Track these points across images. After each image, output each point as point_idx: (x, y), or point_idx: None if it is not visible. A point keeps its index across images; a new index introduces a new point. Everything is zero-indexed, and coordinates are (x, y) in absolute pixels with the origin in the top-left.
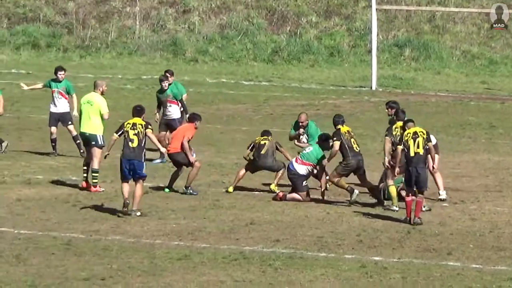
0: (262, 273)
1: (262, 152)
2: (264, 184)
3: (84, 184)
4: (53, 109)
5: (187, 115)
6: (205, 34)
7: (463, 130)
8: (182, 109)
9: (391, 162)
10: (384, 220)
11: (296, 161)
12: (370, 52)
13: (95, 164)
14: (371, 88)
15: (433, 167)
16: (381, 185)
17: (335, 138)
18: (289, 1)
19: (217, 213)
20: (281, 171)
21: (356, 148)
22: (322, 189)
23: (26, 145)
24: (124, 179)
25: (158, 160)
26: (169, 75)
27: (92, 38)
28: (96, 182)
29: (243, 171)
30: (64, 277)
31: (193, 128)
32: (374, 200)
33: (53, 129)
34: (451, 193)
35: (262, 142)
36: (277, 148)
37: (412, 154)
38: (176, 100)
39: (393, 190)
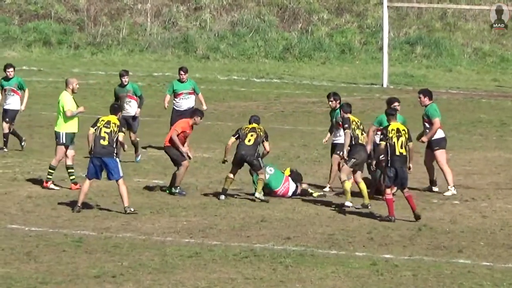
0: (273, 270)
1: (247, 142)
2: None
3: (72, 186)
4: (6, 106)
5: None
6: (217, 32)
7: (474, 127)
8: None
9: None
10: (395, 218)
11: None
12: (382, 50)
13: (53, 161)
14: (382, 85)
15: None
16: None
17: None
18: None
19: (228, 211)
20: (262, 175)
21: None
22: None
23: (37, 143)
24: (89, 176)
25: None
26: (183, 73)
27: (104, 35)
28: (49, 178)
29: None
30: (75, 274)
31: (188, 123)
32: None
33: (5, 125)
34: (462, 190)
35: (250, 133)
36: (262, 142)
37: (397, 153)
38: (136, 95)
39: (348, 185)
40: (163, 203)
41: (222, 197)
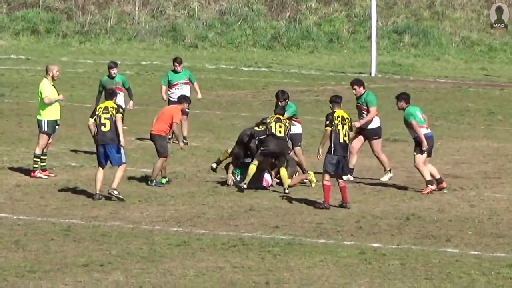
0: (261, 259)
1: (277, 133)
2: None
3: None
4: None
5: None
6: (205, 20)
7: (462, 116)
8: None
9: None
10: (383, 207)
11: None
12: (370, 38)
13: (36, 149)
14: (371, 74)
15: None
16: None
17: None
18: None
19: (216, 200)
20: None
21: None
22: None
23: (26, 131)
24: (99, 164)
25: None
26: (177, 64)
27: (92, 23)
28: (36, 168)
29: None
30: (63, 263)
31: (179, 110)
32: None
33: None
34: (450, 179)
35: (277, 125)
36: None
37: (341, 140)
38: (125, 87)
39: (252, 169)
40: (151, 192)
41: (244, 185)
